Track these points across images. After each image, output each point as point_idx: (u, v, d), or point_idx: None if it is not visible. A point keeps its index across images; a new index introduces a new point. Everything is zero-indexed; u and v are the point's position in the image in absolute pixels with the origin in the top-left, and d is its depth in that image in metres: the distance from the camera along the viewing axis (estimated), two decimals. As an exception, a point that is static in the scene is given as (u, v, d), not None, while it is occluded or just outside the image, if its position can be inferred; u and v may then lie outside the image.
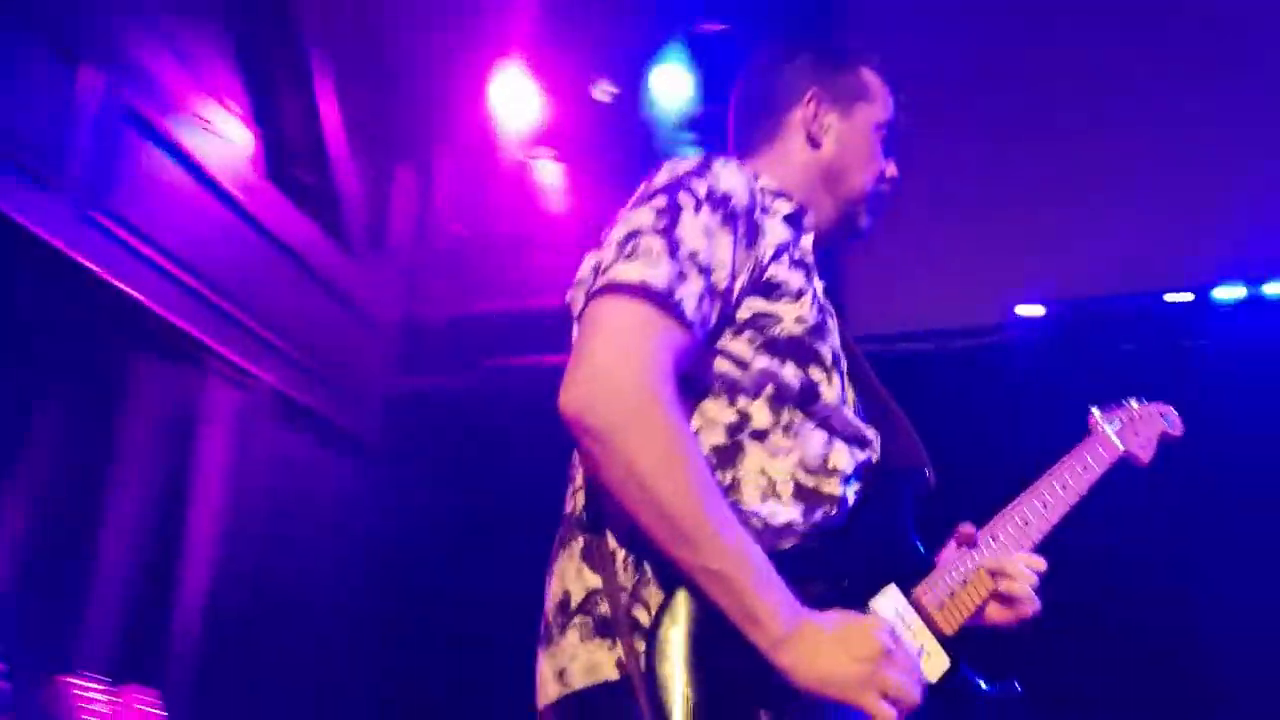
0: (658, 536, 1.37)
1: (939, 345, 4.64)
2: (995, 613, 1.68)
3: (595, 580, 1.47)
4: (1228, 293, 4.28)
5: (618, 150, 5.36)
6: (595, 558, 1.49)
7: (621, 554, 1.47)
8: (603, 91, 5.22)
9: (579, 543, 1.53)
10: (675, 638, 1.35)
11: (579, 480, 1.60)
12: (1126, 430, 2.01)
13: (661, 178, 1.59)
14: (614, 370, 1.39)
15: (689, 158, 1.61)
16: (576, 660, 1.45)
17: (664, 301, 1.44)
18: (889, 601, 1.56)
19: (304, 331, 4.46)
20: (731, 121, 1.92)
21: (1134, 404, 2.07)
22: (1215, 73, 4.42)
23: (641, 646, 1.37)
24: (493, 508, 4.50)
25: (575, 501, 1.59)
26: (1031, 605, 1.67)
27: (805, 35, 1.88)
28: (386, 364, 5.01)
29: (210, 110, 4.05)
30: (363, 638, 4.51)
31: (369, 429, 4.82)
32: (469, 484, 4.59)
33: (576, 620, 1.47)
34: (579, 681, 1.43)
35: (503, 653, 4.33)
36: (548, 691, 1.48)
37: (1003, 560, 1.68)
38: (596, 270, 1.53)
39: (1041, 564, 1.70)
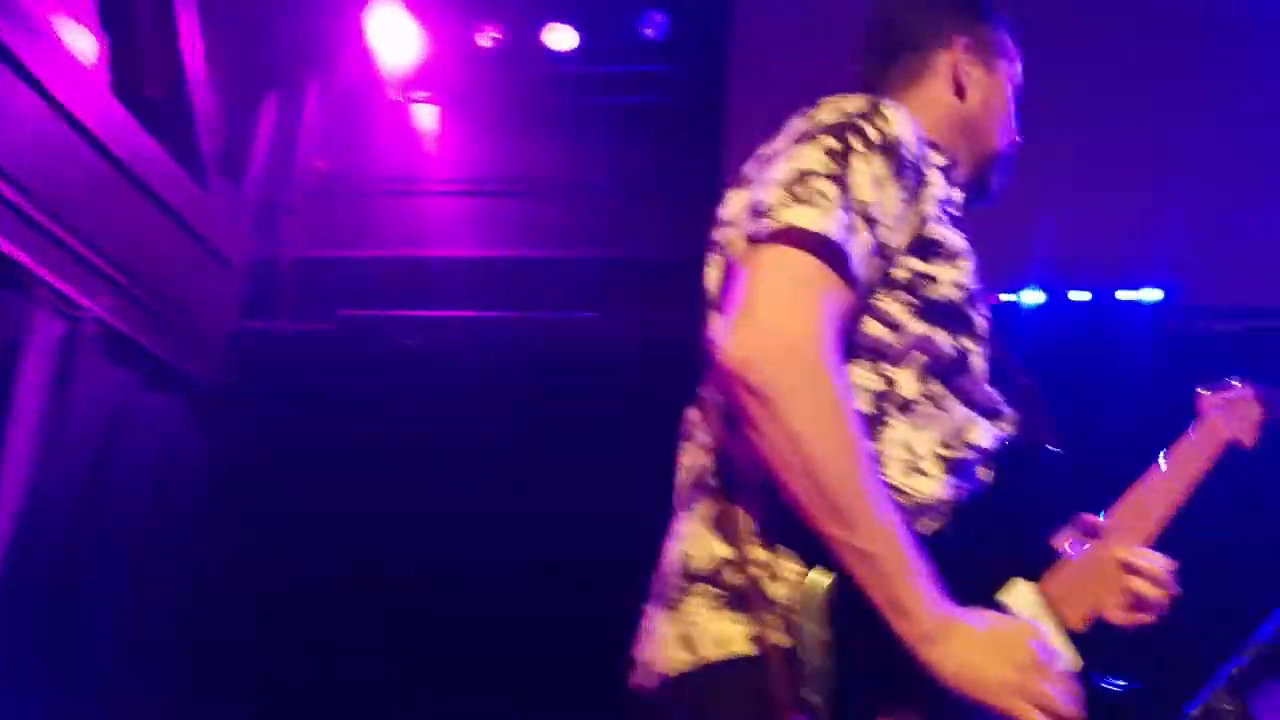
0: (809, 508, 1.30)
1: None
2: (1118, 611, 1.60)
3: (724, 550, 1.41)
4: (1033, 297, 4.48)
5: (499, 100, 5.17)
6: (725, 525, 1.42)
7: (755, 524, 1.39)
8: (487, 38, 5.00)
9: (706, 506, 1.46)
10: (814, 617, 1.29)
11: (704, 439, 1.51)
12: (1231, 413, 1.98)
13: (826, 115, 1.49)
14: (787, 327, 1.31)
15: (853, 97, 1.52)
16: (704, 630, 1.38)
17: (837, 255, 1.35)
18: (1021, 596, 1.50)
19: (142, 263, 4.14)
20: (863, 52, 1.81)
21: (1236, 384, 2.04)
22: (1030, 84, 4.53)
23: (777, 624, 1.32)
24: (330, 460, 4.30)
25: (700, 462, 1.51)
26: (1161, 606, 1.60)
27: None
28: (232, 305, 4.71)
29: (50, 11, 3.70)
30: (179, 575, 4.28)
31: (206, 371, 4.52)
32: (308, 437, 4.35)
33: (701, 588, 1.41)
34: (711, 653, 1.37)
35: (324, 592, 4.20)
36: (674, 656, 1.41)
37: (1135, 555, 1.61)
38: (755, 211, 1.42)
39: (1172, 565, 1.63)
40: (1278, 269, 4.31)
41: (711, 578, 1.41)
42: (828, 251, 1.35)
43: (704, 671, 1.38)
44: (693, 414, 1.58)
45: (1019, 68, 1.85)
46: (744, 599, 1.36)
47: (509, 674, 4.32)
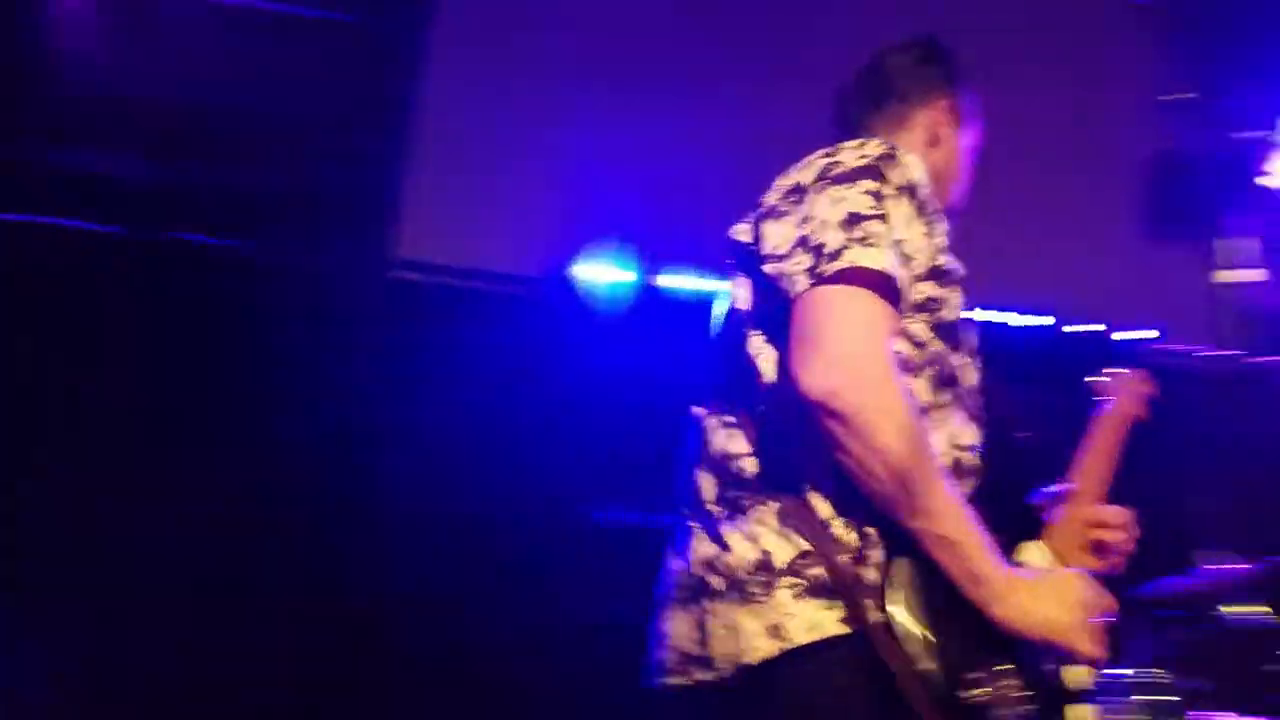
0: (898, 508, 1.56)
1: (491, 286, 4.75)
2: (1094, 560, 1.98)
3: (803, 543, 1.60)
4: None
5: None
6: (798, 521, 1.62)
7: (835, 519, 1.62)
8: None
9: (769, 507, 1.65)
10: (906, 594, 1.56)
11: (744, 446, 1.71)
12: (1123, 391, 2.32)
13: (853, 159, 1.72)
14: (861, 359, 1.54)
15: (870, 142, 1.75)
16: (794, 618, 1.57)
17: (893, 290, 1.60)
18: (1038, 554, 1.88)
19: None
20: (852, 92, 2.07)
21: (1115, 372, 2.39)
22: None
23: (873, 604, 1.56)
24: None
25: (744, 466, 1.70)
26: (1126, 549, 2.02)
27: (941, 45, 2.09)
28: None
29: None
30: None
31: None
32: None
33: (784, 581, 1.59)
34: (802, 637, 1.56)
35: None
36: (759, 646, 1.58)
37: (1104, 512, 2.02)
38: (808, 247, 1.64)
39: (1130, 514, 2.04)
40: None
41: (794, 570, 1.59)
42: (887, 286, 1.59)
43: (801, 653, 1.56)
44: (709, 421, 1.77)
45: (980, 131, 2.12)
46: (827, 587, 1.57)
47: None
